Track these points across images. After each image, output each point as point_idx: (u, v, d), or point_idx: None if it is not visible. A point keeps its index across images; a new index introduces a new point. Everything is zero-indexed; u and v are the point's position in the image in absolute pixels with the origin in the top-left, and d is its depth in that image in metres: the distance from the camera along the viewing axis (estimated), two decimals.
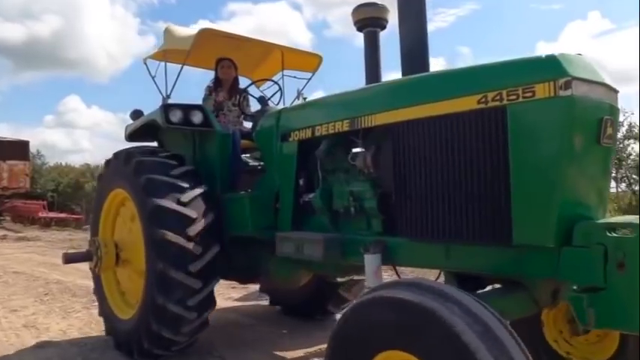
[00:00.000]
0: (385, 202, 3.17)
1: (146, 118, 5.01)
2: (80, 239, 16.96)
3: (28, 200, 28.39)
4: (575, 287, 2.51)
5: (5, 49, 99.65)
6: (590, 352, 3.34)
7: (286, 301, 5.92)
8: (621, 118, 16.74)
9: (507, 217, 2.47)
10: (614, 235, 2.22)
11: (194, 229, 3.93)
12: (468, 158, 2.64)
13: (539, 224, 2.38)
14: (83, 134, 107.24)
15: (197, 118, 4.54)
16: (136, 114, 5.33)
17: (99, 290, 5.01)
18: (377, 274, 2.96)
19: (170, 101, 4.89)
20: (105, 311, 4.89)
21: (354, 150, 3.53)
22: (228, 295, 7.12)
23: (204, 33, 4.88)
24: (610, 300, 2.21)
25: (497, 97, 2.50)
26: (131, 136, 5.42)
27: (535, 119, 2.39)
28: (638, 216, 2.38)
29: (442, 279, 3.16)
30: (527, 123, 2.41)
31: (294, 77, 5.74)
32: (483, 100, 2.55)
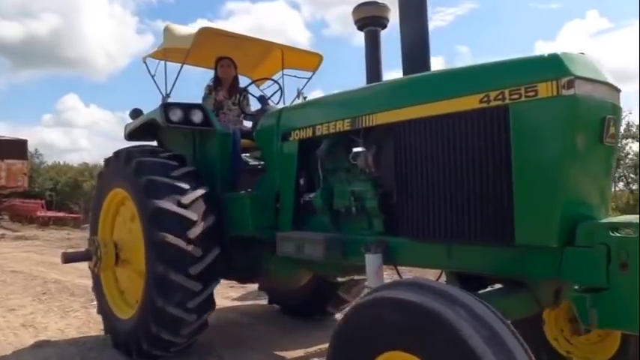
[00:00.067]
0: (386, 202, 3.16)
1: (146, 117, 4.99)
2: (78, 238, 16.95)
3: (26, 199, 28.34)
4: (576, 287, 2.51)
5: (3, 47, 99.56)
6: (590, 352, 3.34)
7: (285, 300, 5.91)
8: None
9: (510, 217, 2.46)
10: (617, 235, 2.22)
11: (194, 232, 3.91)
12: (469, 158, 2.63)
13: (541, 224, 2.37)
14: (81, 133, 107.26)
15: (197, 117, 4.52)
16: (136, 113, 5.31)
17: (98, 289, 4.99)
18: (378, 274, 2.95)
19: (169, 100, 4.87)
20: (104, 310, 4.87)
21: (355, 149, 3.52)
22: (226, 294, 7.10)
23: (205, 32, 4.86)
24: (613, 300, 2.20)
25: (500, 97, 2.49)
26: (130, 135, 5.40)
27: (538, 118, 2.38)
28: (638, 215, 2.38)
29: (443, 279, 3.15)
30: (530, 122, 2.40)
31: (295, 76, 5.73)
32: (485, 99, 2.54)
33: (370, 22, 4.04)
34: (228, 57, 5.47)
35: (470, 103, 2.62)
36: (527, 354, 1.91)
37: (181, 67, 5.07)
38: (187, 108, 4.53)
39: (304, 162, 3.80)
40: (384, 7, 4.00)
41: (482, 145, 2.57)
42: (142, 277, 4.18)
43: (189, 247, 3.86)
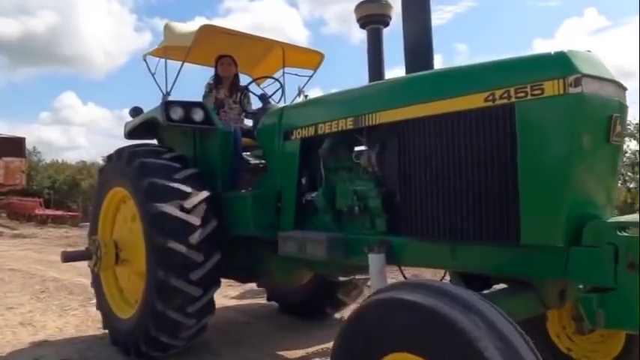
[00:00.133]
0: (389, 201, 3.14)
1: (146, 115, 4.94)
2: (77, 236, 16.91)
3: (24, 197, 28.26)
4: (580, 287, 2.50)
5: (0, 44, 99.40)
6: (591, 351, 3.34)
7: (284, 299, 5.87)
8: None
9: (515, 216, 2.44)
10: (625, 234, 2.20)
11: (196, 237, 3.87)
12: (474, 157, 2.61)
13: (547, 224, 2.35)
14: (79, 131, 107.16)
15: (198, 115, 4.48)
16: (136, 111, 5.26)
17: (97, 287, 4.96)
18: (381, 274, 2.93)
19: (170, 98, 4.84)
20: (103, 308, 4.85)
21: (358, 148, 3.50)
22: (225, 292, 7.07)
23: (205, 29, 4.83)
24: (620, 300, 2.18)
25: (505, 95, 2.46)
26: (130, 134, 5.35)
27: (544, 117, 2.35)
28: (638, 215, 2.36)
29: (447, 278, 3.13)
30: (536, 121, 2.38)
31: (296, 75, 5.70)
32: (490, 97, 2.52)
33: (373, 19, 4.01)
34: (229, 55, 5.45)
35: (475, 101, 2.59)
36: None
37: (182, 65, 5.04)
38: (188, 106, 4.48)
39: (306, 161, 3.78)
40: (386, 5, 3.98)
41: (488, 144, 2.55)
42: (142, 278, 4.16)
43: (191, 253, 3.82)
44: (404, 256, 3.03)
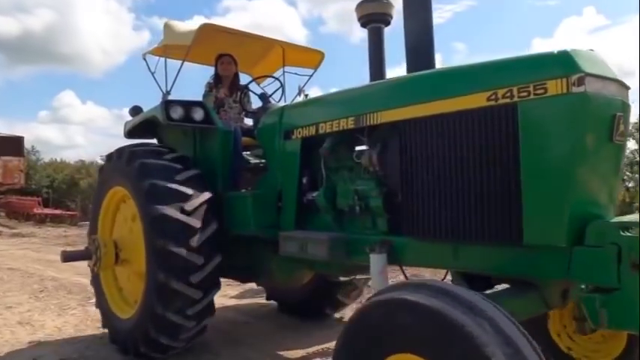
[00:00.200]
0: (391, 201, 3.12)
1: (146, 114, 4.92)
2: (75, 235, 16.90)
3: (22, 196, 28.24)
4: (582, 287, 2.49)
5: None
6: (591, 351, 3.33)
7: (284, 298, 5.85)
8: None
9: (518, 216, 2.42)
10: (628, 234, 2.18)
11: (197, 240, 3.84)
12: (476, 156, 2.59)
13: (550, 224, 2.34)
14: (77, 130, 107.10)
15: (198, 114, 4.46)
16: (135, 110, 5.24)
17: (97, 287, 4.95)
18: (383, 274, 2.91)
19: (170, 97, 4.82)
20: (102, 307, 4.84)
21: (358, 148, 3.49)
22: (224, 292, 7.04)
23: (206, 28, 4.81)
24: (623, 300, 2.17)
25: (508, 94, 2.45)
26: (130, 133, 5.33)
27: (547, 116, 2.34)
28: (638, 214, 2.34)
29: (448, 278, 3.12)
30: (539, 120, 2.36)
31: (296, 74, 5.67)
32: (493, 97, 2.51)
33: (374, 18, 3.98)
34: (229, 54, 5.43)
35: (477, 101, 2.58)
36: None
37: (182, 64, 5.03)
38: (188, 105, 4.46)
39: (307, 160, 3.76)
40: (387, 4, 3.96)
41: (490, 144, 2.54)
42: (141, 279, 4.14)
43: (191, 256, 3.80)
44: (405, 256, 3.01)
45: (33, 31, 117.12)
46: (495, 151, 2.52)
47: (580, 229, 2.31)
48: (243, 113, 5.38)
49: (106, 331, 4.77)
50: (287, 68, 5.74)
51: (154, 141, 5.30)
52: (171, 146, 4.72)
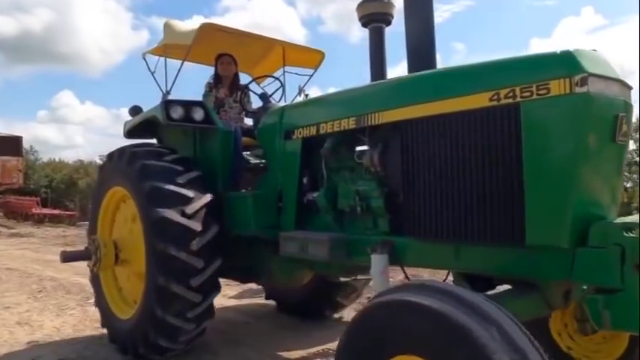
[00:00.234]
0: (392, 202, 3.11)
1: (146, 114, 4.90)
2: (74, 235, 16.87)
3: (21, 196, 28.19)
4: (584, 287, 2.48)
5: None
6: (591, 352, 3.32)
7: (283, 298, 5.85)
8: None
9: (520, 217, 2.42)
10: (632, 235, 2.18)
11: (197, 243, 3.82)
12: (479, 157, 2.59)
13: (553, 224, 2.33)
14: (76, 130, 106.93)
15: (198, 114, 4.44)
16: (135, 110, 5.23)
17: (96, 286, 4.93)
18: (384, 275, 2.90)
19: (170, 97, 4.80)
20: (102, 307, 4.82)
21: (359, 148, 3.48)
22: (223, 292, 6.98)
23: (206, 28, 4.78)
24: (627, 302, 2.16)
25: (510, 94, 2.45)
26: (130, 133, 5.31)
27: (550, 117, 2.33)
28: (639, 215, 2.33)
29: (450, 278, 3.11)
30: (542, 120, 2.36)
31: (296, 74, 5.65)
32: (495, 97, 2.50)
33: (375, 18, 3.97)
34: (229, 54, 5.42)
35: (479, 101, 2.57)
36: None
37: (182, 63, 5.01)
38: (188, 105, 4.44)
39: (307, 160, 3.75)
40: (388, 4, 3.95)
41: (492, 144, 2.53)
42: (141, 280, 4.13)
43: (192, 259, 3.79)
44: (407, 257, 3.01)
45: (31, 31, 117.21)
46: (498, 152, 2.51)
47: (583, 229, 2.31)
48: (243, 113, 5.37)
49: (105, 331, 4.76)
50: (287, 68, 5.72)
51: (154, 141, 5.29)
52: (171, 146, 4.70)
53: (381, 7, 3.94)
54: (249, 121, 5.32)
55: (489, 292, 2.68)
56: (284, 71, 5.72)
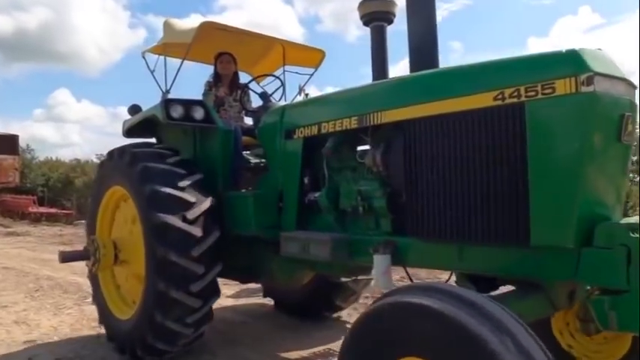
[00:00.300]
0: (395, 201, 3.09)
1: (145, 113, 4.87)
2: (71, 234, 16.82)
3: (17, 195, 28.07)
4: (588, 288, 2.46)
5: None
6: (592, 352, 3.30)
7: (281, 297, 5.83)
8: None
9: (525, 217, 2.40)
10: (637, 235, 2.16)
11: (198, 249, 3.80)
12: (483, 156, 2.57)
13: (558, 224, 2.31)
14: (73, 128, 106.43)
15: (198, 113, 4.40)
16: (134, 109, 5.20)
17: (94, 285, 4.90)
18: (387, 275, 2.88)
19: (169, 96, 4.77)
20: (100, 304, 4.81)
21: (361, 147, 3.46)
22: (221, 292, 7.01)
23: (206, 26, 4.75)
24: (633, 303, 2.15)
25: (515, 94, 2.43)
26: (129, 132, 5.28)
27: (555, 116, 2.32)
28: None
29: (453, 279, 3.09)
30: (547, 120, 2.34)
31: (296, 73, 5.63)
32: (500, 96, 2.48)
33: (376, 17, 3.97)
34: (228, 52, 5.39)
35: (483, 100, 2.55)
36: None
37: (182, 62, 4.98)
38: (188, 104, 4.41)
39: (309, 160, 3.73)
40: (390, 2, 3.94)
41: (497, 144, 2.51)
42: (140, 281, 4.11)
43: (192, 265, 3.77)
44: (409, 257, 2.99)
45: (28, 29, 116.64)
46: (502, 151, 2.49)
47: (588, 230, 2.29)
48: (243, 112, 5.35)
49: (102, 331, 4.75)
50: (287, 67, 5.70)
51: (153, 140, 5.25)
52: (171, 145, 4.67)
53: (383, 6, 3.94)
54: (249, 121, 5.30)
55: (493, 293, 2.67)
56: (284, 70, 5.69)
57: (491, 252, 2.60)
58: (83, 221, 16.71)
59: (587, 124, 2.26)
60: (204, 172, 4.28)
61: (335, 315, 5.60)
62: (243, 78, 5.69)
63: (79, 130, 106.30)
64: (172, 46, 5.07)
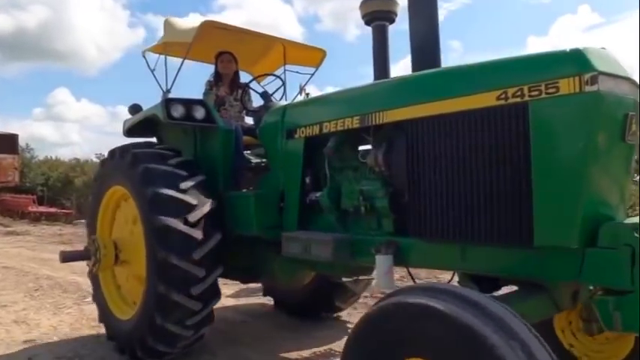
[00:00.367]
0: (397, 201, 3.08)
1: (146, 112, 4.86)
2: (70, 234, 16.80)
3: (17, 194, 28.03)
4: (591, 288, 2.45)
5: None
6: (594, 352, 3.29)
7: (280, 297, 5.83)
8: None
9: (528, 217, 2.38)
10: None
11: (199, 252, 3.79)
12: (486, 156, 2.56)
13: (562, 224, 2.30)
14: (72, 127, 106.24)
15: (199, 113, 4.39)
16: (135, 109, 5.19)
17: (95, 284, 4.89)
18: (389, 275, 2.87)
19: (170, 96, 4.76)
20: (100, 303, 4.80)
21: (363, 147, 3.45)
22: (221, 293, 7.00)
23: (206, 25, 4.74)
24: (637, 303, 2.13)
25: (518, 93, 2.41)
26: (129, 131, 5.26)
27: (559, 116, 2.30)
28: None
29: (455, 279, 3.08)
30: (551, 120, 2.33)
31: (297, 72, 5.61)
32: (503, 96, 2.47)
33: (378, 16, 3.94)
34: (229, 52, 5.38)
35: (486, 100, 2.54)
36: None
37: (182, 61, 4.97)
38: (189, 104, 4.39)
39: (310, 160, 3.72)
40: (392, 2, 3.92)
41: (500, 144, 2.50)
42: (141, 282, 4.10)
43: (193, 268, 3.75)
44: (412, 258, 2.97)
45: (27, 28, 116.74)
46: (505, 151, 2.48)
47: (592, 230, 2.28)
48: (244, 112, 5.33)
49: (102, 330, 4.74)
50: (288, 66, 5.68)
51: (154, 139, 5.24)
52: (172, 145, 4.65)
53: (385, 5, 3.92)
54: (249, 120, 5.29)
55: (496, 294, 2.66)
56: (284, 69, 5.67)
57: (495, 252, 2.58)
58: (83, 220, 16.70)
59: (591, 123, 2.24)
60: (205, 172, 4.26)
61: (335, 315, 5.58)
62: (244, 77, 5.68)
63: (78, 129, 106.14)
64: (173, 45, 5.05)
